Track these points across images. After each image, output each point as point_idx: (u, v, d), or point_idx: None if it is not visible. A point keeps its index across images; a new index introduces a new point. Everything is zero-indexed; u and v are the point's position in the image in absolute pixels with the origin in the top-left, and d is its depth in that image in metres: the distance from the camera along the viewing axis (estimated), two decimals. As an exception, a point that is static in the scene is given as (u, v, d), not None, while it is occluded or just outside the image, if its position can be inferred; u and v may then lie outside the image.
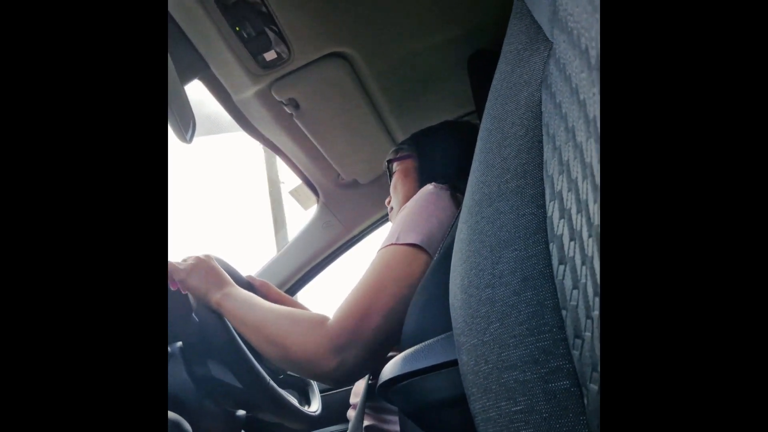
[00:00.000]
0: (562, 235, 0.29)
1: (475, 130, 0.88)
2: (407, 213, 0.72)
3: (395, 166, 0.97)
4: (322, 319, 0.66)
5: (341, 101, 1.03)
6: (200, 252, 0.87)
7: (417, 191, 0.80)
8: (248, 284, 0.99)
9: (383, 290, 0.65)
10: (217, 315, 0.75)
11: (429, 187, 0.77)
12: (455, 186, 0.77)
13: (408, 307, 0.59)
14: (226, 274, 0.79)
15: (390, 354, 0.63)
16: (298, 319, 0.67)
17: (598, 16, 0.25)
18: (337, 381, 0.66)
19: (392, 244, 0.69)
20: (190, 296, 0.79)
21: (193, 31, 0.84)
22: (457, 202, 0.74)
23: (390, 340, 0.64)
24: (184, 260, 0.81)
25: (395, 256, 0.68)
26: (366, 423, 0.81)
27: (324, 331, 0.64)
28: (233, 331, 0.74)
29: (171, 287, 0.78)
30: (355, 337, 0.63)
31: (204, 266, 0.78)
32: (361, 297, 0.65)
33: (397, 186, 0.95)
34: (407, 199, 0.90)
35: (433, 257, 0.66)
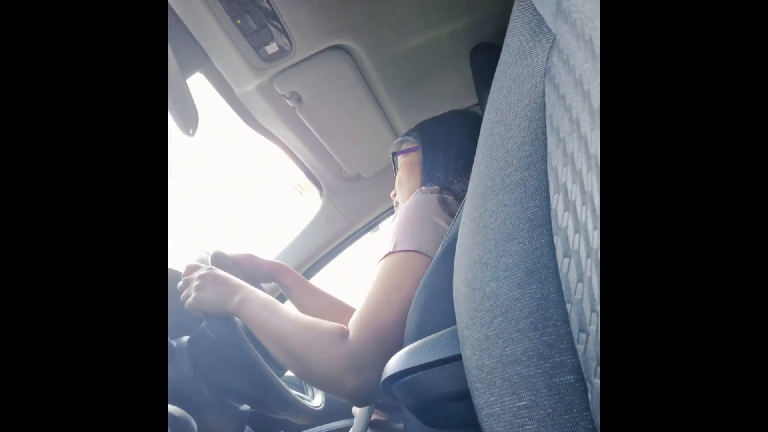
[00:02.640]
0: (566, 227, 0.28)
1: (481, 120, 0.86)
2: (401, 221, 0.73)
3: (400, 159, 0.96)
4: (341, 333, 0.64)
5: (343, 94, 1.03)
6: (200, 255, 0.85)
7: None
8: (236, 263, 0.97)
9: (393, 299, 0.64)
10: (230, 327, 0.73)
11: (418, 193, 0.78)
12: (446, 188, 0.77)
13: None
14: (235, 278, 0.77)
15: None
16: (317, 334, 0.64)
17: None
18: (361, 400, 0.64)
19: (391, 252, 0.69)
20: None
21: (195, 24, 0.83)
22: (446, 205, 0.74)
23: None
24: (186, 281, 0.78)
25: (397, 263, 0.68)
26: (371, 418, 0.81)
27: (344, 350, 0.62)
28: (248, 343, 0.73)
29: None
30: (375, 353, 0.61)
31: (210, 278, 0.75)
32: (374, 310, 0.64)
33: (402, 181, 0.94)
34: (412, 194, 0.90)
35: (432, 259, 0.66)
